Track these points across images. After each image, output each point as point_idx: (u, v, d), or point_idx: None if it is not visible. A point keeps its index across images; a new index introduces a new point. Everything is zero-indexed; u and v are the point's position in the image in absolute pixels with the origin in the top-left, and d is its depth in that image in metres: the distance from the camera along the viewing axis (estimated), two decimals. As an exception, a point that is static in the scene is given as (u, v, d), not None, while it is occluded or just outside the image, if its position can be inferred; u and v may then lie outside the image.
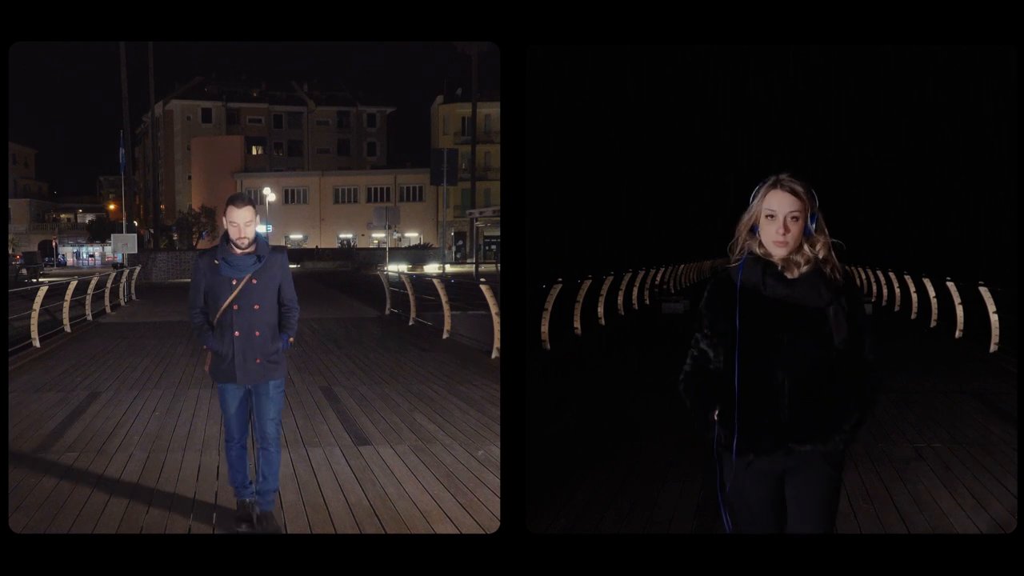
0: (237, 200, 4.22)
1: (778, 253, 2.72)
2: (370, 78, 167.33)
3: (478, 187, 63.73)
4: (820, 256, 2.71)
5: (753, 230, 2.79)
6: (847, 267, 2.79)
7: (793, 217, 2.69)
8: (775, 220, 2.71)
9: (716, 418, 2.77)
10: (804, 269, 2.72)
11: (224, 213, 4.25)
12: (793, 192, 2.69)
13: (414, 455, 5.96)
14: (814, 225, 2.71)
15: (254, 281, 4.25)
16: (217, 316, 4.28)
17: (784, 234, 2.68)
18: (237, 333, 4.23)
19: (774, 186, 2.72)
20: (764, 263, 2.74)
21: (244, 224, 4.18)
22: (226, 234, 4.26)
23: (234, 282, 4.22)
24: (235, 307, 4.23)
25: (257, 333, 4.26)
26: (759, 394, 2.71)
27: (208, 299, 4.33)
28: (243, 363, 4.27)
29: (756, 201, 2.75)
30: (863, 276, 23.07)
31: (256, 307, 4.25)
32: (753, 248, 2.77)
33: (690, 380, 2.89)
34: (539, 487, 5.25)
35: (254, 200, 4.39)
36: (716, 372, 2.82)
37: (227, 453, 4.49)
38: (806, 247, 2.72)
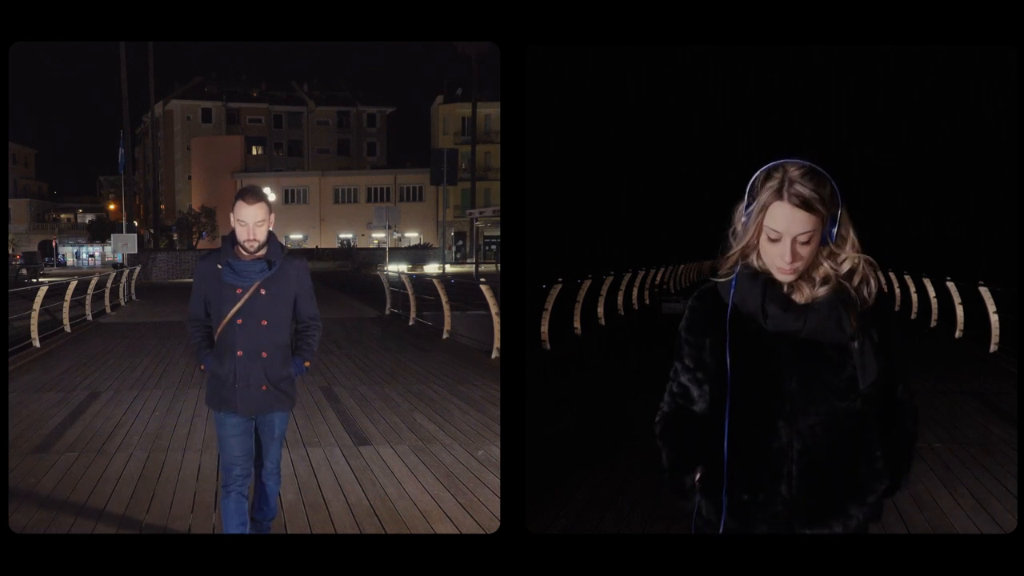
0: (248, 195, 3.51)
1: (780, 278, 2.02)
2: (370, 78, 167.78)
3: (478, 187, 63.73)
4: (843, 271, 2.00)
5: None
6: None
7: (804, 242, 1.97)
8: (779, 244, 1.98)
9: (697, 484, 2.12)
10: (820, 292, 1.99)
11: (232, 209, 3.54)
12: (805, 205, 1.94)
13: (414, 455, 5.97)
14: (835, 230, 1.98)
15: (262, 291, 3.52)
16: (218, 332, 3.58)
17: (792, 262, 1.97)
18: (240, 353, 3.52)
19: (779, 195, 1.96)
20: (765, 281, 2.03)
21: (254, 224, 3.47)
22: (232, 234, 3.57)
23: (238, 291, 3.51)
24: (238, 321, 3.52)
25: (264, 354, 3.54)
26: (755, 459, 2.03)
27: (210, 310, 3.65)
28: (245, 389, 3.55)
29: (754, 211, 2.00)
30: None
31: (264, 323, 3.53)
32: (751, 260, 2.06)
33: (668, 425, 2.18)
34: (539, 487, 5.25)
35: (267, 197, 3.64)
36: (701, 418, 2.14)
37: (223, 500, 3.64)
38: (824, 263, 2.00)
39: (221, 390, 3.59)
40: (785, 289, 2.03)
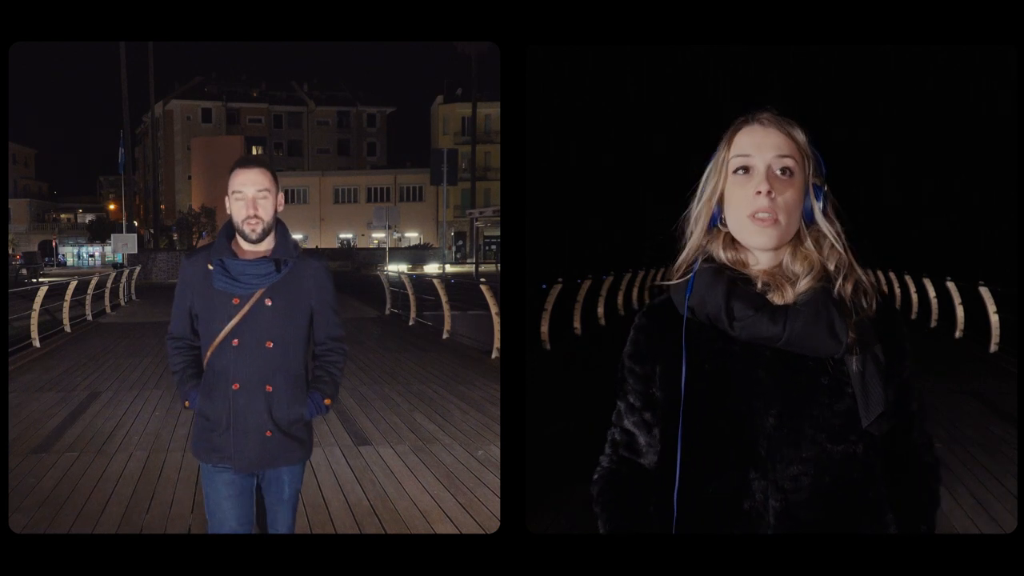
0: (246, 161, 2.72)
1: (759, 241, 1.49)
2: (370, 78, 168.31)
3: (478, 187, 63.82)
4: (831, 264, 1.50)
5: (713, 221, 1.56)
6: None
7: (784, 169, 1.49)
8: (750, 176, 1.50)
9: None
10: (804, 285, 1.48)
11: (228, 189, 2.65)
12: (780, 127, 1.52)
13: (414, 455, 5.97)
14: (821, 204, 1.51)
15: (268, 301, 2.62)
16: (208, 355, 2.66)
17: (769, 195, 1.47)
18: (236, 386, 2.62)
19: (746, 121, 1.55)
20: (730, 278, 1.52)
21: (256, 194, 2.60)
22: (227, 226, 2.69)
23: (235, 301, 2.61)
24: (234, 342, 2.61)
25: (268, 387, 2.64)
26: (716, 526, 1.51)
27: (199, 326, 2.71)
28: (242, 436, 2.63)
29: (715, 159, 1.56)
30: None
31: (269, 344, 2.62)
32: (714, 251, 1.55)
33: (608, 487, 1.72)
34: (539, 487, 5.25)
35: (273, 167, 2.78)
36: (650, 474, 1.65)
37: None
38: (809, 244, 1.50)
39: (211, 436, 2.68)
40: (759, 287, 1.51)
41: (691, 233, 1.58)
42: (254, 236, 2.62)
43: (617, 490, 1.67)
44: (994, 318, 11.85)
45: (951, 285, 13.82)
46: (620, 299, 18.89)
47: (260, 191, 2.63)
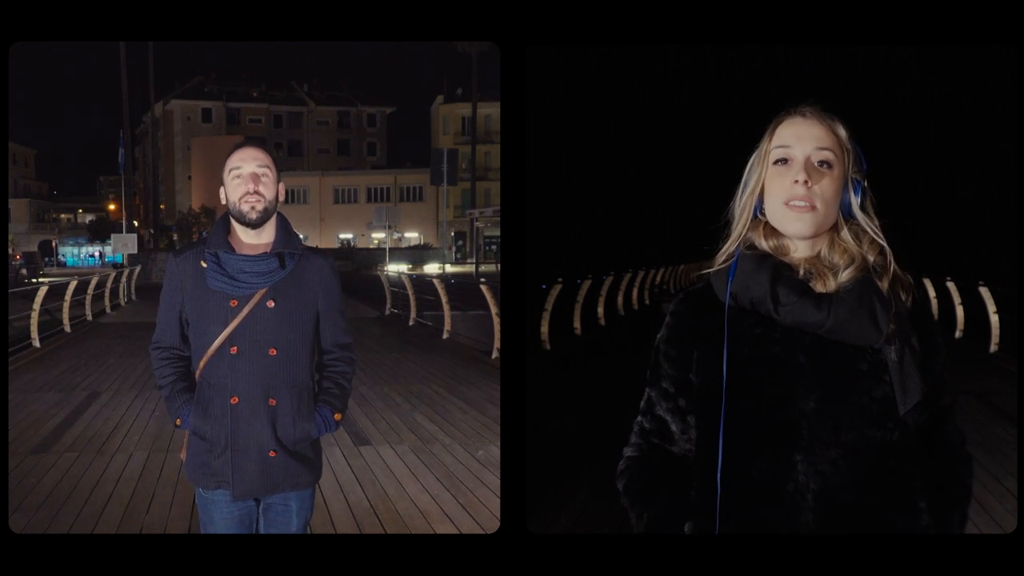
0: (245, 141, 2.46)
1: (795, 228, 1.52)
2: (370, 78, 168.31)
3: (478, 187, 63.83)
4: (871, 257, 1.54)
5: (757, 212, 1.59)
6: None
7: (823, 161, 1.52)
8: (789, 166, 1.53)
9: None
10: (846, 277, 1.51)
11: (224, 174, 2.37)
12: (821, 120, 1.55)
13: (414, 455, 5.97)
14: (859, 199, 1.54)
15: (270, 303, 2.32)
16: (201, 366, 2.37)
17: (807, 184, 1.49)
18: (235, 400, 2.34)
19: (788, 114, 1.58)
20: (774, 264, 1.54)
21: (257, 169, 2.32)
22: (222, 219, 2.40)
23: (233, 303, 2.31)
24: (233, 350, 2.32)
25: (272, 401, 2.35)
26: (760, 507, 1.50)
27: (190, 333, 2.40)
28: (242, 457, 2.37)
29: (758, 152, 1.59)
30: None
31: (272, 352, 2.33)
32: (755, 239, 1.57)
33: (638, 477, 1.66)
34: (539, 487, 5.25)
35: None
36: (684, 463, 1.63)
37: None
38: (847, 236, 1.54)
39: (207, 458, 2.44)
40: (801, 274, 1.53)
41: (735, 224, 1.60)
42: (254, 215, 2.30)
43: (649, 478, 1.65)
44: (994, 318, 11.85)
45: (951, 285, 13.81)
46: (620, 299, 18.89)
47: (261, 166, 2.33)
